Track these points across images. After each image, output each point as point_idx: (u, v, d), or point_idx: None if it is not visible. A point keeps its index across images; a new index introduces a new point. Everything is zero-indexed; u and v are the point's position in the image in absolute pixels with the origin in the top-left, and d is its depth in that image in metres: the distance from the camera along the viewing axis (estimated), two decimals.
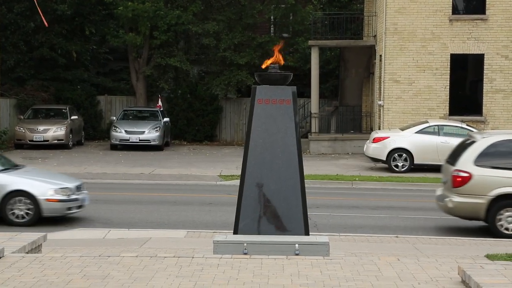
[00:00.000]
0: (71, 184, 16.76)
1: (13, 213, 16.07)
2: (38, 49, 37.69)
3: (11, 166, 17.16)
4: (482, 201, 15.51)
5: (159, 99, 36.74)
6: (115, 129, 33.34)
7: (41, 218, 16.13)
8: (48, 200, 16.10)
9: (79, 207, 16.68)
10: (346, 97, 37.56)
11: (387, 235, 15.58)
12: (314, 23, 36.65)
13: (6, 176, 16.36)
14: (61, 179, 17.20)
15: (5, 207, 16.03)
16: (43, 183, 16.43)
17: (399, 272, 9.35)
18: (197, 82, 39.45)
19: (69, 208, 16.43)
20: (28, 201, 16.06)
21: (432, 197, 21.58)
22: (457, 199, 15.67)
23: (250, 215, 10.85)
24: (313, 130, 33.90)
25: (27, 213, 16.08)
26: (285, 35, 41.09)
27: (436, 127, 26.61)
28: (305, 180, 11.13)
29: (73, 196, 16.45)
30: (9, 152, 31.54)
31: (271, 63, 11.28)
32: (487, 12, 30.07)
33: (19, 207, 16.06)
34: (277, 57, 11.27)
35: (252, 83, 34.86)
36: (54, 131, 32.77)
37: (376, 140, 26.84)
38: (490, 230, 15.72)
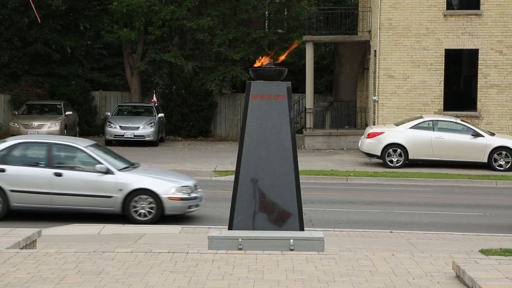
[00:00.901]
0: (191, 183, 16.71)
1: (136, 211, 16.02)
2: (32, 45, 37.63)
3: (130, 165, 17.10)
4: None
5: (154, 95, 36.72)
6: (110, 125, 33.31)
7: (163, 216, 16.09)
8: (170, 198, 16.04)
9: (197, 205, 16.60)
10: (341, 93, 37.57)
11: (381, 230, 15.61)
12: (308, 19, 36.64)
13: (128, 175, 16.33)
14: (180, 177, 17.16)
15: (128, 205, 16.00)
16: (165, 181, 16.36)
17: (394, 267, 9.36)
18: (192, 78, 39.43)
19: (190, 207, 16.37)
20: (151, 199, 16.00)
21: (428, 192, 21.67)
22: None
23: (245, 211, 10.85)
24: (307, 125, 33.90)
25: (149, 212, 16.03)
26: (279, 30, 41.09)
27: (431, 122, 26.63)
28: (299, 176, 11.14)
29: (193, 195, 16.40)
30: None
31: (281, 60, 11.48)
32: (481, 7, 30.09)
33: (142, 205, 16.03)
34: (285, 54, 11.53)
35: (246, 78, 34.85)
36: (49, 127, 32.71)
37: (370, 136, 26.86)
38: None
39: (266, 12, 40.25)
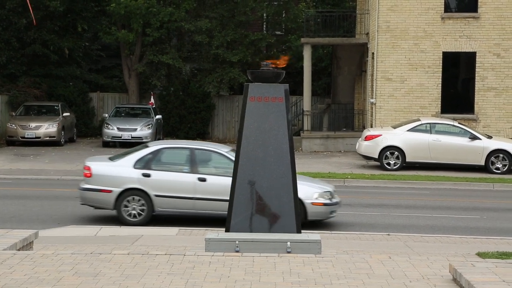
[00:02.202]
0: (331, 188, 16.64)
1: None
2: (30, 46, 37.60)
3: None
4: None
5: (152, 96, 36.71)
6: (107, 126, 33.29)
7: (305, 221, 15.86)
8: (313, 203, 15.99)
9: (335, 211, 16.47)
10: (339, 95, 37.59)
11: (378, 233, 15.61)
12: (306, 21, 36.66)
13: None
14: (318, 182, 17.10)
15: None
16: (307, 187, 16.25)
17: (391, 270, 9.36)
18: (190, 80, 39.42)
19: (331, 212, 16.28)
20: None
21: (425, 195, 21.67)
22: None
23: (242, 213, 10.85)
24: (305, 128, 33.91)
25: None
26: (277, 32, 41.10)
27: (428, 125, 26.65)
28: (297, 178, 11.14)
29: (334, 200, 16.33)
30: (1, 149, 31.48)
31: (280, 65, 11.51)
32: (479, 10, 30.13)
33: None
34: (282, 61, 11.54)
35: (244, 80, 34.86)
36: (46, 128, 32.69)
37: (368, 138, 26.87)
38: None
39: (264, 14, 40.26)
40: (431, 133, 26.35)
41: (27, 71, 37.95)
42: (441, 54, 30.32)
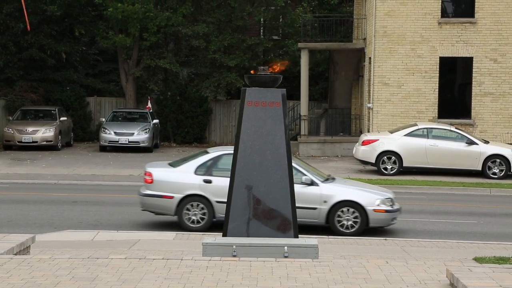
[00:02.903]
0: (392, 195, 16.59)
1: (340, 223, 15.95)
2: (27, 50, 37.60)
3: (328, 177, 16.92)
4: None
5: (149, 101, 36.71)
6: (104, 131, 33.28)
7: (367, 228, 16.04)
8: (375, 210, 15.95)
9: (396, 218, 16.41)
10: (336, 100, 37.61)
11: (376, 237, 15.61)
12: (304, 26, 36.70)
13: (332, 186, 16.22)
14: (378, 189, 17.06)
15: (333, 217, 15.94)
16: (369, 193, 16.27)
17: (388, 274, 9.37)
18: (187, 84, 39.44)
19: (393, 219, 16.23)
20: (356, 211, 15.92)
21: (422, 199, 21.68)
22: None
23: (239, 218, 10.85)
24: (302, 132, 33.92)
25: (353, 224, 15.94)
26: (274, 37, 41.14)
27: (425, 130, 26.67)
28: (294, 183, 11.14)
29: (395, 207, 16.25)
30: None
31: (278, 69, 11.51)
32: (476, 15, 30.19)
33: (347, 217, 15.96)
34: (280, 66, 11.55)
35: (241, 85, 34.86)
36: (43, 133, 32.67)
37: (365, 143, 26.89)
38: None
39: (262, 19, 40.30)
40: (428, 138, 26.37)
41: (24, 75, 37.94)
42: (438, 59, 30.36)
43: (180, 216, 16.05)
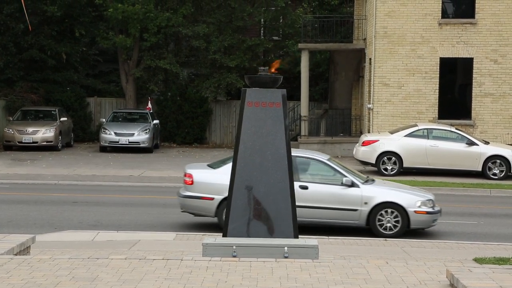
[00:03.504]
0: (432, 196, 16.59)
1: (381, 225, 15.95)
2: (28, 51, 37.60)
3: (368, 178, 16.90)
4: None
5: (149, 101, 36.71)
6: (105, 131, 33.28)
7: (408, 230, 16.03)
8: (416, 212, 15.94)
9: (436, 220, 16.42)
10: (336, 100, 37.61)
11: (376, 238, 15.60)
12: (304, 26, 36.70)
13: (372, 188, 16.22)
14: (418, 191, 17.05)
15: (374, 218, 15.94)
16: (410, 195, 16.25)
17: (388, 275, 9.37)
18: (187, 85, 39.43)
19: (434, 221, 16.22)
20: (397, 213, 15.91)
21: None
22: None
23: (239, 218, 10.84)
24: (302, 133, 33.92)
25: (394, 225, 15.94)
26: (275, 38, 41.14)
27: (425, 130, 26.68)
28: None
29: (436, 208, 16.25)
30: None
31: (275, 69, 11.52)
32: (476, 16, 30.19)
33: (388, 218, 15.96)
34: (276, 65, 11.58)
35: (242, 85, 34.87)
36: (43, 133, 32.67)
37: (365, 143, 26.89)
38: None
39: (262, 20, 40.30)
40: (428, 139, 26.37)
41: (24, 76, 37.94)
42: (438, 59, 30.36)
43: (220, 217, 15.89)
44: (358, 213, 15.95)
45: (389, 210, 15.94)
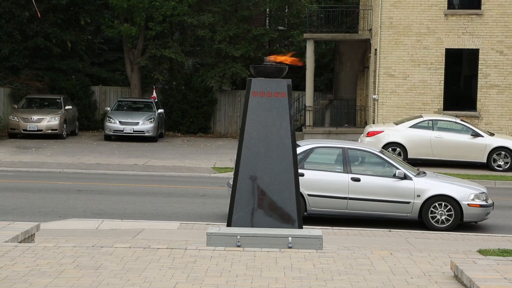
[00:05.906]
0: (485, 189, 16.55)
1: (433, 218, 15.94)
2: (33, 39, 37.60)
3: (419, 171, 16.86)
4: None
5: (154, 90, 36.69)
6: (109, 120, 33.29)
7: (461, 223, 16.02)
8: (470, 205, 15.91)
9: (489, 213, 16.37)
10: (341, 91, 37.56)
11: (380, 229, 15.61)
12: (309, 16, 36.61)
13: (425, 180, 16.21)
14: (470, 183, 17.00)
15: (426, 211, 15.94)
16: (463, 188, 16.22)
17: (392, 266, 9.37)
18: (192, 74, 39.41)
19: (487, 214, 16.16)
20: (450, 206, 15.90)
21: None
22: None
23: (243, 208, 10.84)
24: (307, 123, 33.90)
25: (447, 218, 15.94)
26: (280, 27, 41.07)
27: (430, 121, 26.63)
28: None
29: (490, 201, 16.19)
30: (3, 141, 31.50)
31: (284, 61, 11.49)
32: (482, 7, 30.08)
33: (441, 211, 15.95)
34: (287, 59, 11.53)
35: (247, 75, 34.84)
36: (48, 121, 32.69)
37: (370, 134, 26.86)
38: None
39: (267, 9, 40.22)
40: (433, 130, 26.33)
41: (29, 63, 37.95)
42: (444, 50, 30.28)
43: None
44: (411, 206, 15.93)
45: (443, 203, 15.91)
